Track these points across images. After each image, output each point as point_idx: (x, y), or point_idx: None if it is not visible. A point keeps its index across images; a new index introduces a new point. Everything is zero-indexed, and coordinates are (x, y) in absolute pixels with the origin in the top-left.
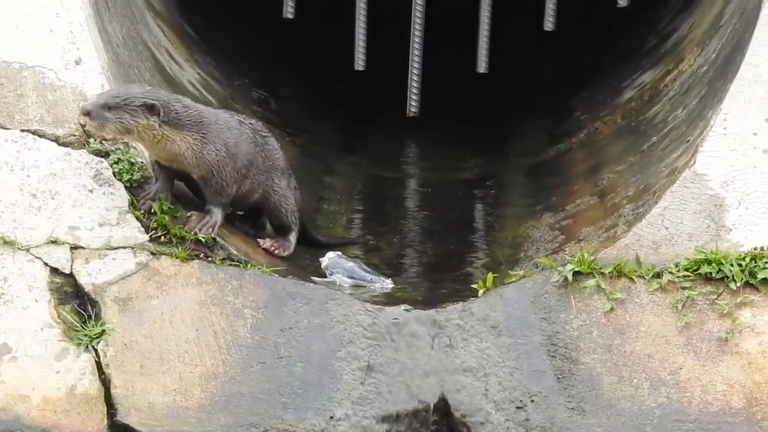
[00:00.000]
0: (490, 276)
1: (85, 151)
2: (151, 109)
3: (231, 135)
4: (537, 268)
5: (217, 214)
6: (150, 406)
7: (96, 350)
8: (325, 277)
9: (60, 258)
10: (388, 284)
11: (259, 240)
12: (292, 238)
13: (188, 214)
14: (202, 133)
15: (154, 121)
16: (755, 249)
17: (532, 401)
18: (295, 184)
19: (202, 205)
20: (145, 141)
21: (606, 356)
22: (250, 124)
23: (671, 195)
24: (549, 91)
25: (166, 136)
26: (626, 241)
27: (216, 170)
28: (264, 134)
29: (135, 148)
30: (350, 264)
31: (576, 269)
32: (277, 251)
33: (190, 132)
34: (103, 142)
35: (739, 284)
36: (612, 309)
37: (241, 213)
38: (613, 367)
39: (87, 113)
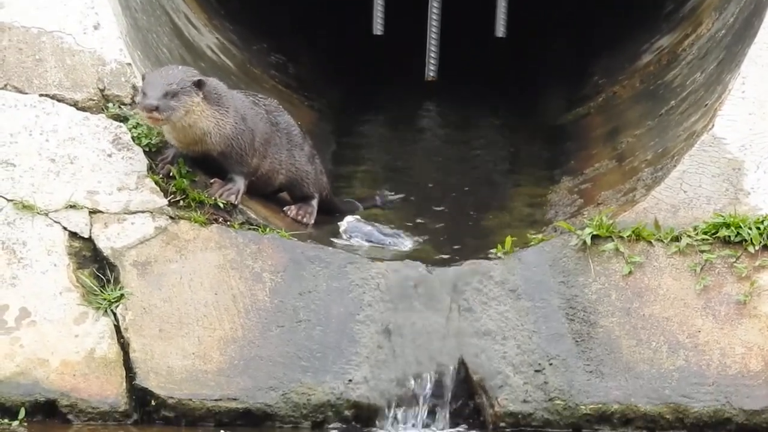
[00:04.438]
0: (508, 239)
1: (103, 115)
2: (198, 85)
3: (248, 111)
4: (555, 231)
5: (240, 182)
6: (169, 370)
7: (115, 314)
8: (344, 240)
9: (79, 222)
10: (407, 245)
11: (284, 208)
12: (315, 203)
13: (211, 181)
14: (225, 108)
15: (201, 97)
16: None
17: (551, 364)
18: (314, 151)
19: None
20: (189, 119)
21: (624, 319)
22: (264, 105)
23: (689, 159)
24: (567, 55)
25: (203, 112)
26: (645, 204)
27: (235, 141)
28: (278, 114)
29: None
30: (369, 228)
31: (594, 233)
32: (304, 219)
33: (217, 107)
34: (122, 106)
35: (757, 247)
36: (630, 272)
37: None
38: (631, 330)
39: (155, 108)
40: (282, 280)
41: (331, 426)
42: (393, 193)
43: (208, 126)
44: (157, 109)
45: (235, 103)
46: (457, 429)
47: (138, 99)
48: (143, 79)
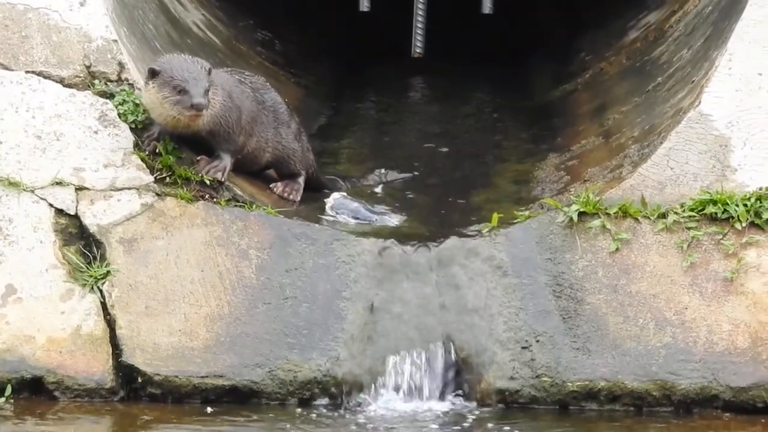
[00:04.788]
0: (495, 216)
1: (89, 92)
2: (209, 72)
3: (233, 88)
4: (542, 208)
5: (227, 160)
6: (155, 347)
7: (101, 291)
8: (330, 217)
9: (65, 199)
10: (393, 221)
11: (271, 185)
12: (301, 180)
13: (198, 158)
14: (214, 87)
15: None
16: (760, 189)
17: (538, 341)
18: (301, 128)
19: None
20: None
21: (611, 296)
22: (250, 82)
23: (676, 135)
24: (554, 31)
25: None
26: (631, 181)
27: (223, 119)
28: (264, 91)
29: (140, 89)
30: (355, 205)
31: (581, 210)
32: (291, 196)
33: None
34: (108, 83)
35: (744, 224)
36: (617, 249)
37: None
38: (618, 307)
39: (204, 107)
40: (268, 256)
41: (317, 403)
42: (396, 173)
43: None
44: (205, 107)
45: (221, 82)
46: (444, 406)
47: (174, 96)
48: (168, 73)
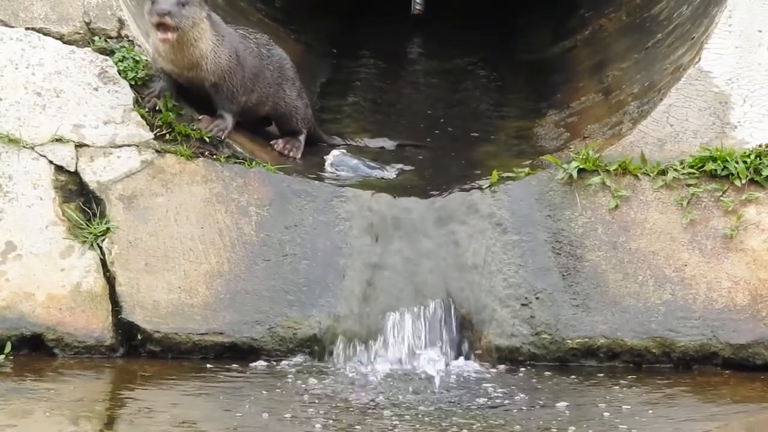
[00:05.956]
0: (495, 173)
1: (89, 49)
2: (206, 0)
3: (239, 46)
4: (542, 165)
5: (229, 120)
6: (155, 304)
7: (101, 248)
8: (330, 174)
9: (65, 156)
10: (392, 174)
11: (271, 142)
12: (302, 138)
13: (199, 117)
14: (222, 36)
15: (206, 13)
16: (760, 146)
17: (537, 298)
18: (302, 85)
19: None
20: (194, 33)
21: (611, 253)
22: (255, 38)
23: (676, 92)
24: None
25: (205, 31)
26: (631, 138)
27: (228, 76)
28: (269, 47)
29: (140, 46)
30: (355, 161)
31: (581, 166)
32: (291, 153)
33: (214, 32)
34: (108, 40)
35: (744, 181)
36: (617, 206)
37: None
38: (618, 264)
39: (167, 13)
40: (268, 213)
41: (316, 360)
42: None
43: (206, 49)
44: (169, 14)
45: (230, 37)
46: (444, 363)
47: (147, 7)
48: None
